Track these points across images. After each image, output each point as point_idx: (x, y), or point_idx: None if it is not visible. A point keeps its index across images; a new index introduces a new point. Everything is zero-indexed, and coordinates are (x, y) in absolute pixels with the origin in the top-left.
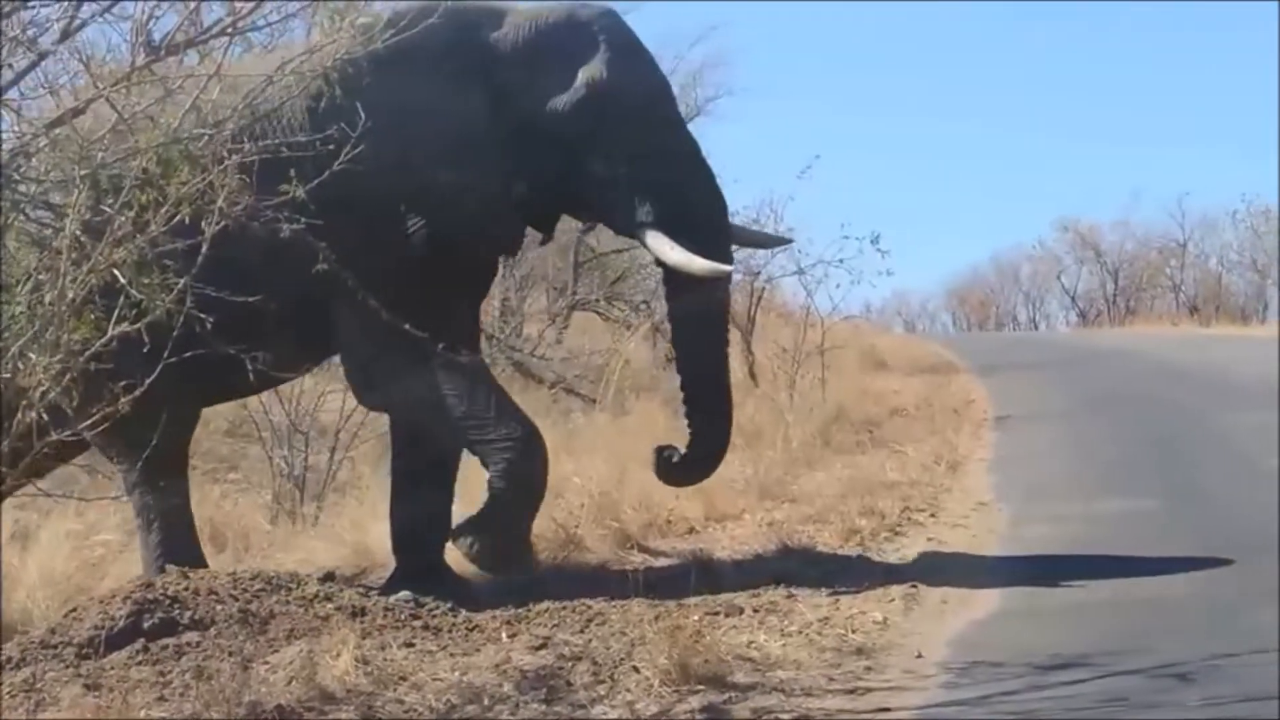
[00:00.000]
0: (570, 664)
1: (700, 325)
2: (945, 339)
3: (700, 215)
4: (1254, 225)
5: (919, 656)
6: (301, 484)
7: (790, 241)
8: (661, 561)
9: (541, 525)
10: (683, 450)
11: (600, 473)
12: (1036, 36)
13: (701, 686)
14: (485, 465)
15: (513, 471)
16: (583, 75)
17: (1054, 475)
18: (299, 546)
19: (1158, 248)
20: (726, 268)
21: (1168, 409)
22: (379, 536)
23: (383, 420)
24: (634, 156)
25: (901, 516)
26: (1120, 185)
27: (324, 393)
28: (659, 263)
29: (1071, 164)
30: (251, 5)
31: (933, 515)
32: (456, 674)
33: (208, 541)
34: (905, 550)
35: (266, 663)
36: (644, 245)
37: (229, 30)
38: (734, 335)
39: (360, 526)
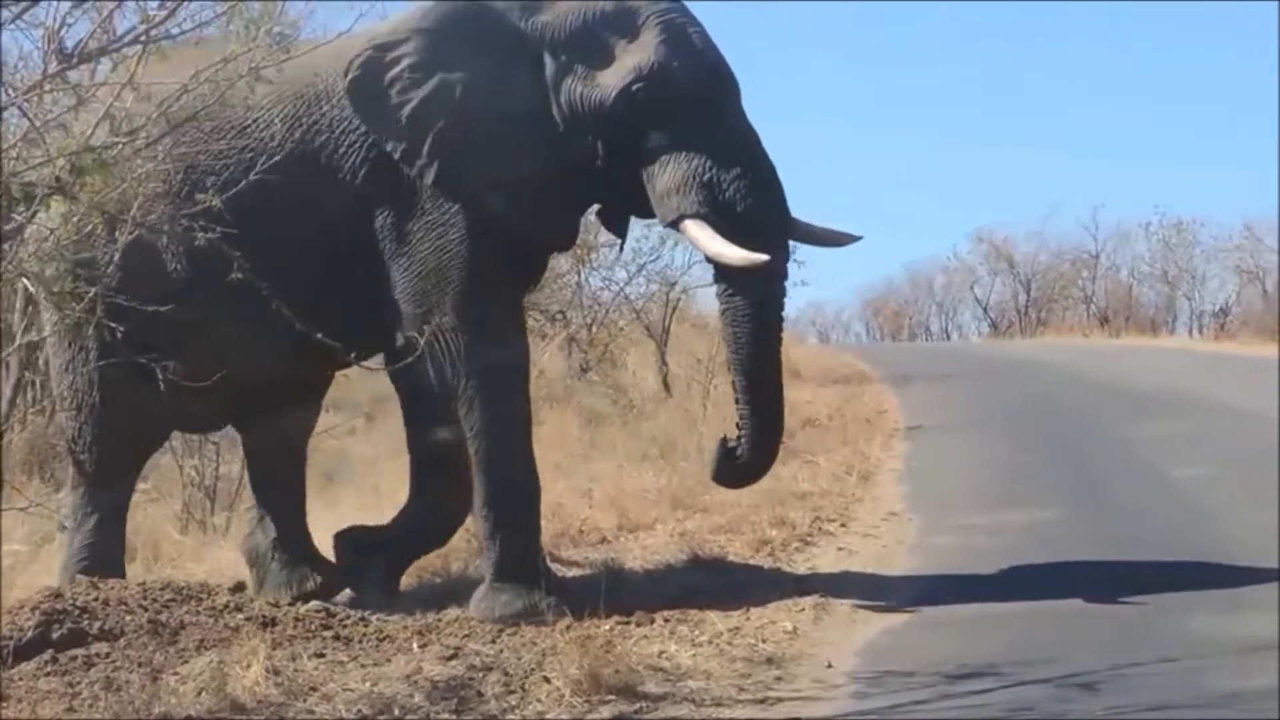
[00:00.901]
0: (481, 674)
1: (751, 324)
2: (859, 349)
3: (746, 206)
4: (1165, 237)
5: (829, 666)
6: (212, 494)
7: (859, 238)
8: (573, 571)
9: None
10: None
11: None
12: (953, 46)
13: (612, 696)
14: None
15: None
16: (627, 62)
17: (964, 486)
18: (209, 556)
19: (1071, 259)
20: (760, 257)
21: (1076, 419)
22: None
23: None
24: (678, 145)
25: (812, 527)
26: (1038, 197)
27: None
28: (708, 258)
29: (989, 176)
30: (165, 13)
31: (843, 525)
32: (367, 684)
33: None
34: (816, 560)
35: (176, 673)
36: (686, 237)
37: (142, 38)
38: (648, 346)
39: None
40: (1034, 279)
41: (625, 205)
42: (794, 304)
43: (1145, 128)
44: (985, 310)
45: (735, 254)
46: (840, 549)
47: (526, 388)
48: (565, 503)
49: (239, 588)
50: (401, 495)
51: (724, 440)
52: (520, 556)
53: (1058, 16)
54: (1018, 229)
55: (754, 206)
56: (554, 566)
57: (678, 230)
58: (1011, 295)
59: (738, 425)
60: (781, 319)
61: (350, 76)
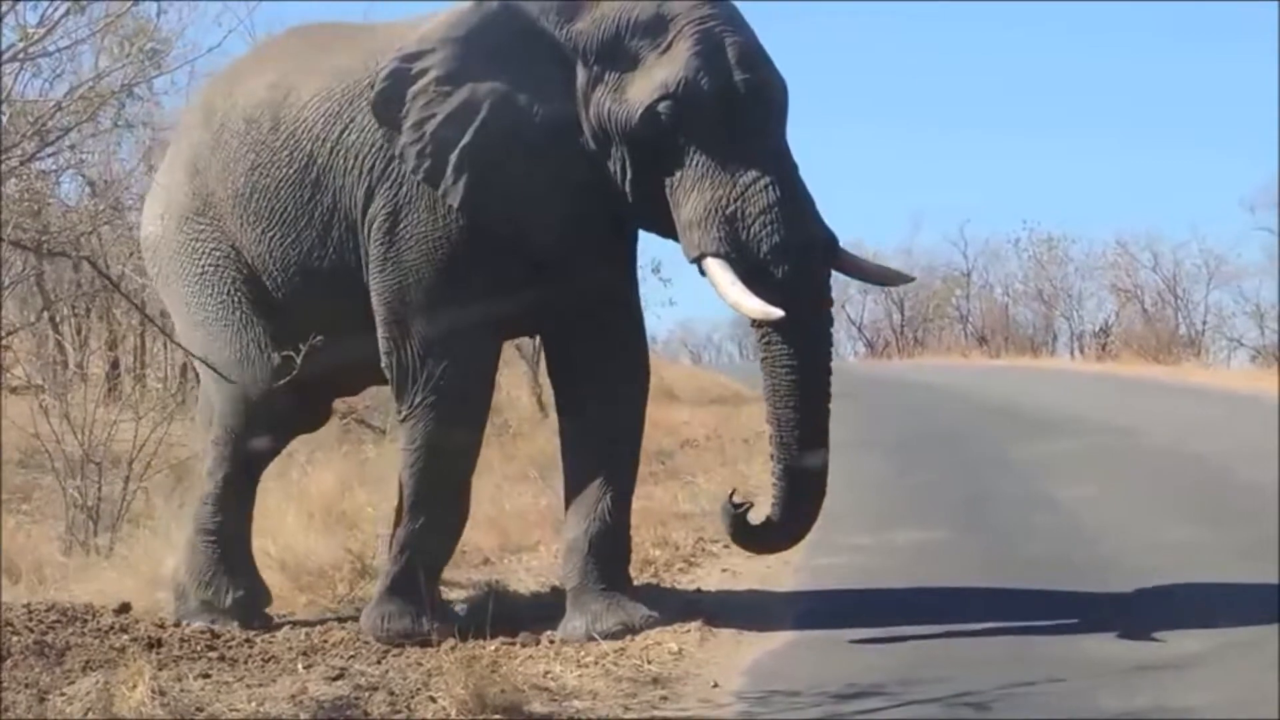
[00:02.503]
0: (367, 694)
1: (790, 375)
2: (732, 369)
3: (772, 245)
4: (1037, 254)
5: (715, 686)
6: (95, 515)
7: (912, 279)
8: (457, 593)
9: (336, 555)
10: (767, 510)
11: (394, 503)
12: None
13: (498, 716)
14: None
15: None
16: (656, 77)
17: (846, 506)
18: (93, 578)
19: (941, 276)
20: (776, 312)
21: (961, 440)
22: (174, 567)
23: (176, 451)
24: (704, 171)
25: (695, 547)
26: (901, 212)
27: (115, 422)
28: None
29: (855, 190)
30: (43, 31)
31: (726, 546)
32: (253, 704)
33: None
34: (700, 581)
35: (63, 694)
36: (708, 278)
37: (20, 56)
38: (521, 366)
39: (155, 558)
40: (906, 297)
41: (658, 230)
42: (664, 324)
43: (1010, 141)
44: (860, 330)
45: (752, 305)
46: (725, 570)
47: (477, 421)
48: None
49: (124, 609)
50: (287, 515)
51: (731, 500)
52: (414, 578)
53: (920, 30)
54: (885, 245)
55: (780, 247)
56: (439, 587)
57: (701, 269)
58: (885, 314)
59: (773, 485)
60: (828, 368)
61: (376, 89)
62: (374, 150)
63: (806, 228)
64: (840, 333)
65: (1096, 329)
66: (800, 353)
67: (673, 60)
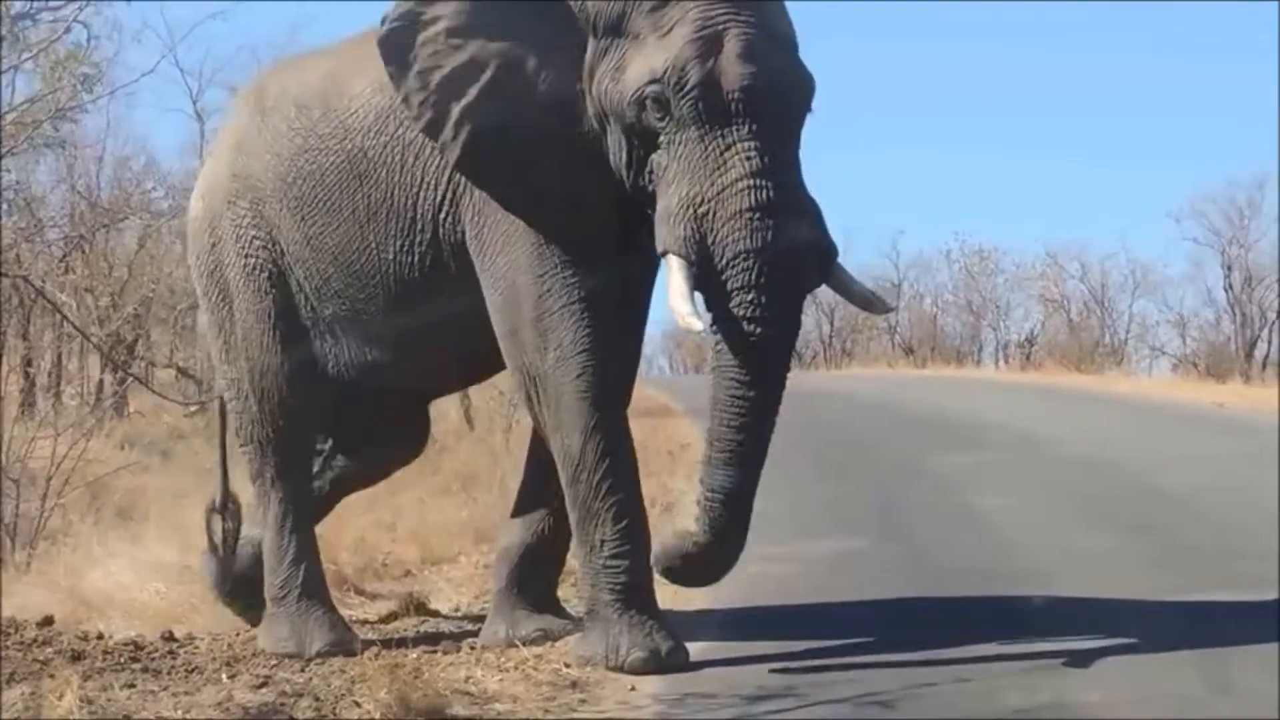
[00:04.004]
0: (292, 700)
1: (735, 394)
2: (662, 382)
3: (735, 252)
4: (968, 265)
5: (632, 689)
6: (12, 532)
7: (893, 309)
8: (380, 604)
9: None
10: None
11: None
12: None
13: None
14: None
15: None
16: (650, 61)
17: (768, 516)
18: (12, 594)
19: (872, 288)
20: (695, 325)
21: (883, 450)
22: (94, 583)
23: (94, 468)
24: (685, 164)
25: None
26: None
27: (33, 439)
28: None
29: None
30: None
31: None
32: (179, 712)
33: None
34: None
35: None
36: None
37: None
38: None
39: (75, 573)
40: (836, 309)
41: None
42: None
43: (943, 154)
44: None
45: (678, 308)
46: None
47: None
48: (368, 537)
49: (46, 622)
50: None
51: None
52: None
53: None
54: None
55: (744, 255)
56: (359, 599)
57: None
58: (815, 325)
59: (699, 507)
60: (777, 391)
61: (386, 27)
62: (435, 151)
63: (782, 240)
64: None
65: (1022, 339)
66: (749, 369)
67: (668, 45)
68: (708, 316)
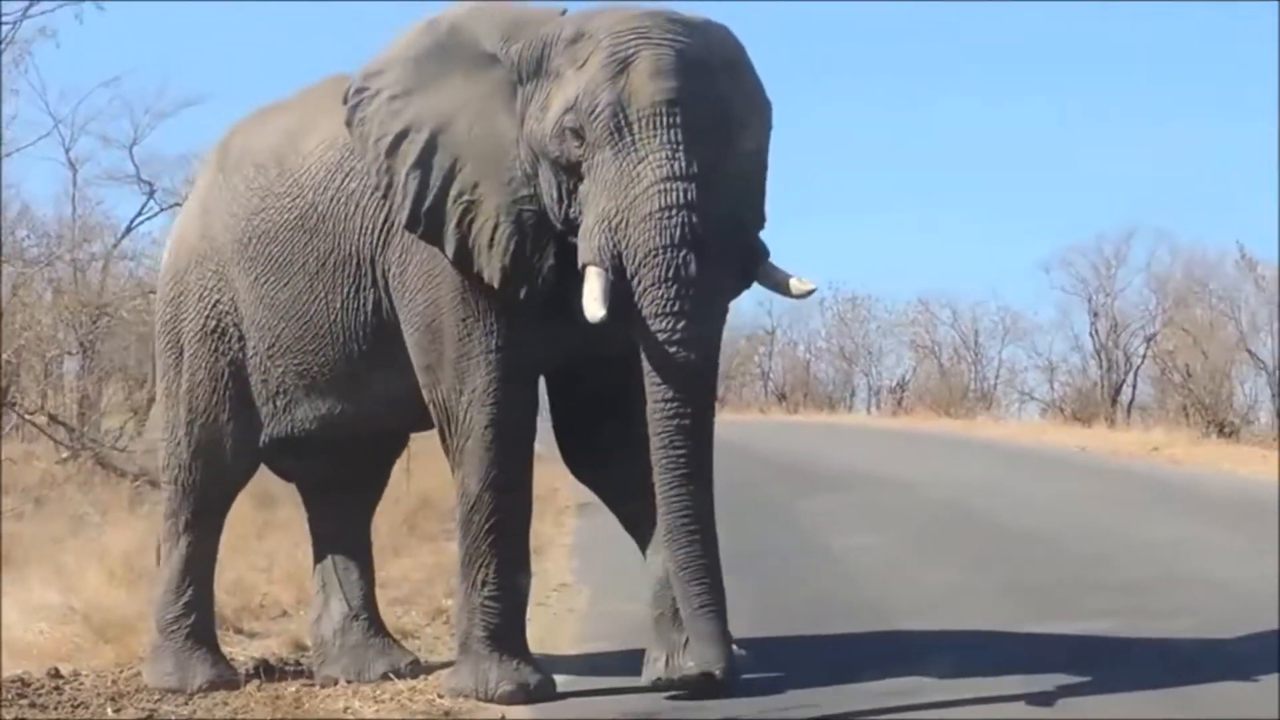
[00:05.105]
0: None
1: (660, 397)
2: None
3: (643, 259)
4: (841, 312)
5: (503, 718)
6: None
7: (813, 289)
8: (258, 642)
9: (140, 608)
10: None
11: None
12: None
13: None
14: None
15: None
16: (567, 93)
17: (634, 558)
18: None
19: (747, 335)
20: (598, 311)
21: (747, 494)
22: None
23: None
24: (603, 184)
25: None
26: None
27: None
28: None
29: None
30: None
31: None
32: None
33: None
34: None
35: None
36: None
37: None
38: None
39: None
40: None
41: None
42: None
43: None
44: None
45: (590, 311)
46: None
47: (520, 462)
48: (245, 578)
49: None
50: (89, 572)
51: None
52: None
53: None
54: None
55: (655, 251)
56: (238, 637)
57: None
58: None
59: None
60: (707, 390)
61: (347, 107)
62: (376, 197)
63: (692, 234)
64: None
65: (893, 384)
66: (672, 371)
67: (582, 76)
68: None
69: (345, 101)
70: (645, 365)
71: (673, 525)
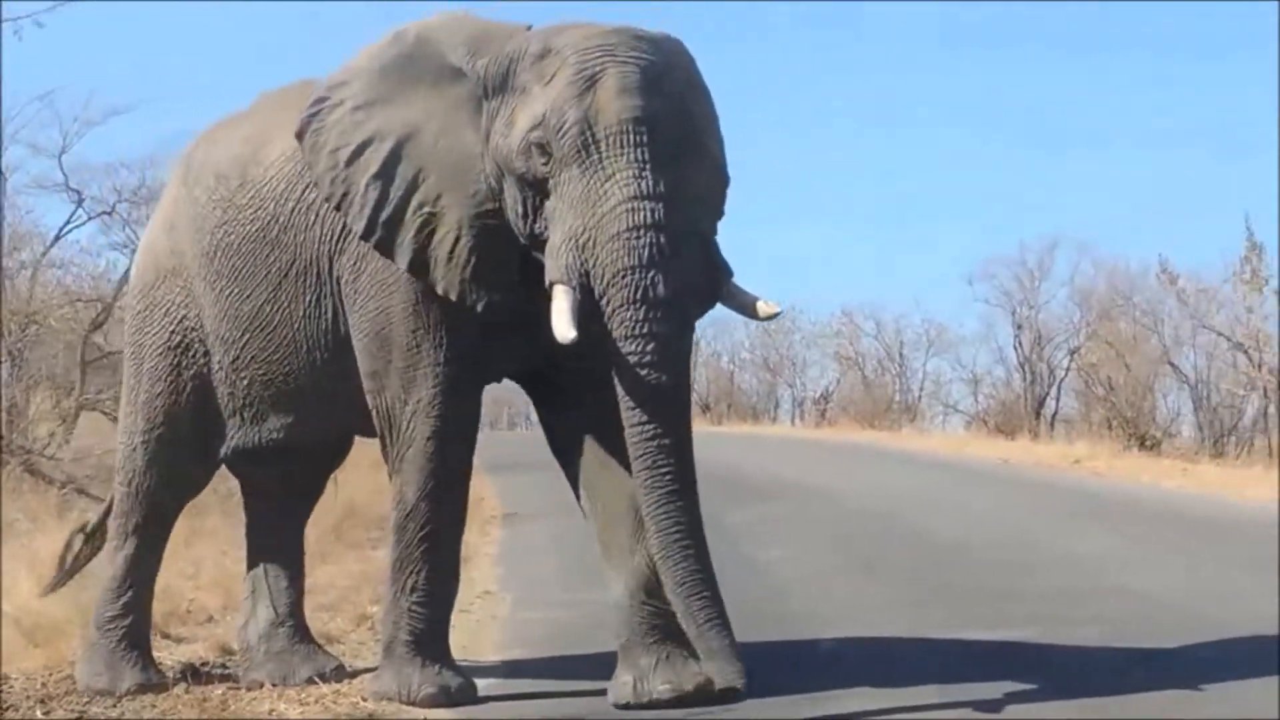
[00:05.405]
0: None
1: (636, 420)
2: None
3: (611, 277)
4: (764, 324)
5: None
6: None
7: (779, 313)
8: (185, 647)
9: (69, 612)
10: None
11: None
12: None
13: None
14: None
15: None
16: (533, 110)
17: (556, 567)
18: None
19: None
20: (569, 334)
21: None
22: None
23: None
24: (569, 201)
25: None
26: None
27: None
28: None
29: None
30: None
31: None
32: None
33: None
34: None
35: None
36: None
37: None
38: None
39: None
40: None
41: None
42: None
43: (739, 216)
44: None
45: (558, 327)
46: None
47: (459, 471)
48: (172, 585)
49: None
50: (18, 578)
51: None
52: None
53: None
54: None
55: (623, 272)
56: (165, 642)
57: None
58: None
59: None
60: (680, 407)
61: (303, 116)
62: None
63: (662, 256)
64: None
65: (817, 396)
66: (645, 395)
67: (549, 93)
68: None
69: (302, 111)
70: (619, 388)
71: (666, 543)
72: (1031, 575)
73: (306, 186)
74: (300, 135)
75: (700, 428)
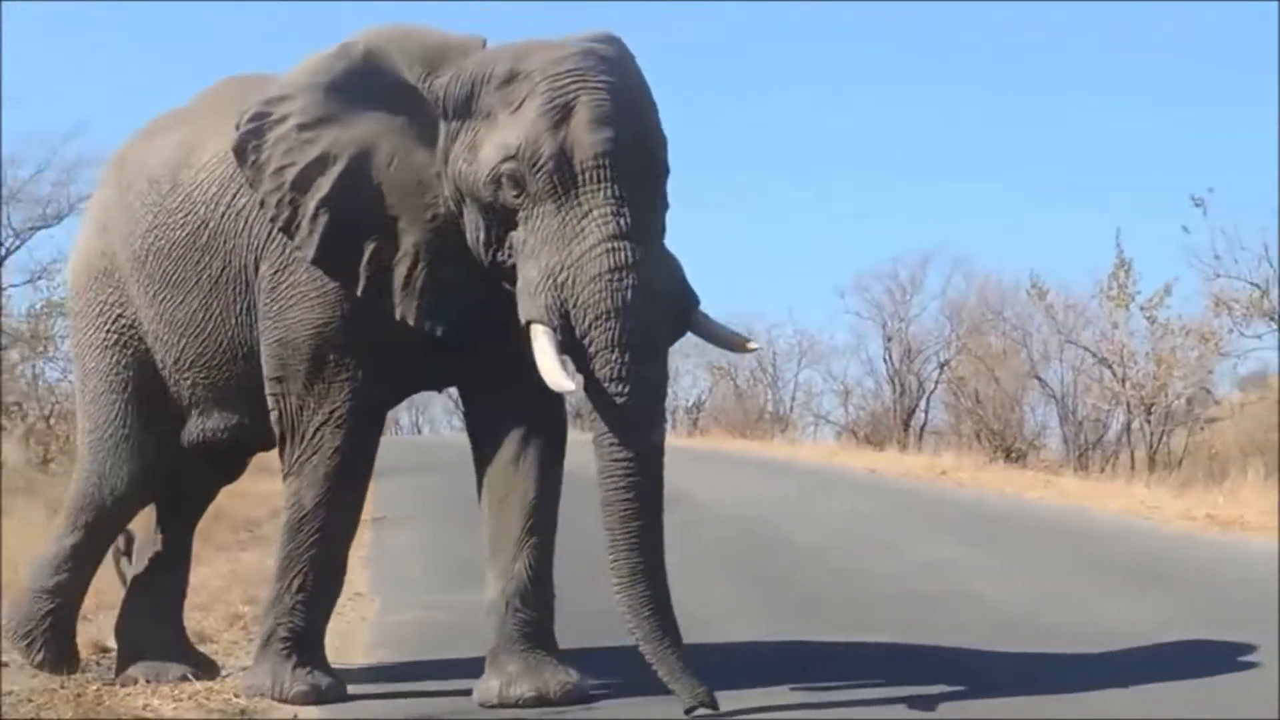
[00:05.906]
0: None
1: (614, 458)
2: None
3: (595, 317)
4: None
5: (295, 717)
6: None
7: (757, 348)
8: None
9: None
10: None
11: None
12: None
13: None
14: None
15: None
16: (504, 137)
17: (423, 569)
18: None
19: None
20: (567, 385)
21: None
22: None
23: None
24: (545, 236)
25: None
26: None
27: None
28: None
29: None
30: None
31: None
32: None
33: None
34: None
35: None
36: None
37: None
38: None
39: None
40: None
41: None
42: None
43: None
44: (457, 404)
45: (548, 372)
46: None
47: (357, 483)
48: None
49: None
50: None
51: None
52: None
53: None
54: None
55: (605, 316)
56: None
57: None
58: None
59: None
60: (657, 449)
61: (239, 133)
62: (263, 213)
63: (641, 298)
64: (436, 407)
65: (690, 404)
66: (623, 430)
67: (520, 121)
68: (579, 378)
69: (238, 127)
70: (600, 424)
71: (633, 569)
72: (890, 581)
73: (237, 191)
74: (239, 152)
75: (572, 435)
